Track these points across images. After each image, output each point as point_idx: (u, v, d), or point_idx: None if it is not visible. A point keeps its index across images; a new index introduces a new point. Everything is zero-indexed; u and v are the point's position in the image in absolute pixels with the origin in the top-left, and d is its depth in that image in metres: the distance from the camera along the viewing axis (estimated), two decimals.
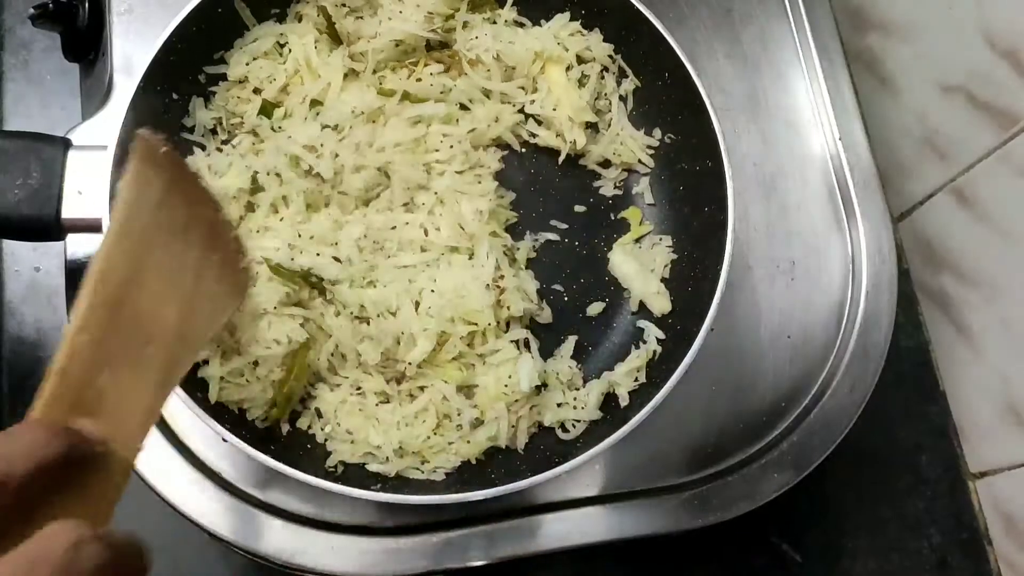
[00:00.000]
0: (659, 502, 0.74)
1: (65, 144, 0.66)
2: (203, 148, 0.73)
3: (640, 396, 0.67)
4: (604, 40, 0.79)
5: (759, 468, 0.76)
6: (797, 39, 0.89)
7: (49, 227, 0.64)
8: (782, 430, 0.78)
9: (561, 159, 0.78)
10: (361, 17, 0.76)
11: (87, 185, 0.64)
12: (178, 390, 0.61)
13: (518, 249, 0.75)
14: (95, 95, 0.77)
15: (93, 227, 0.64)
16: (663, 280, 0.76)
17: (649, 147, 0.79)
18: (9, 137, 0.65)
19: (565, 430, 0.70)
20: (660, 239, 0.77)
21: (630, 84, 0.79)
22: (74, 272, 0.71)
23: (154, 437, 0.68)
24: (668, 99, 0.77)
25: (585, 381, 0.73)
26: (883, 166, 0.87)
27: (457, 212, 0.70)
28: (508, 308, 0.69)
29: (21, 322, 0.80)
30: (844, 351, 0.80)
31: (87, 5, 0.77)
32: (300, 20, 0.76)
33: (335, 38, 0.75)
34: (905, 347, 0.96)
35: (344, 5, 0.76)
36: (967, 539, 0.91)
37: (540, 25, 0.79)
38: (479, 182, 0.73)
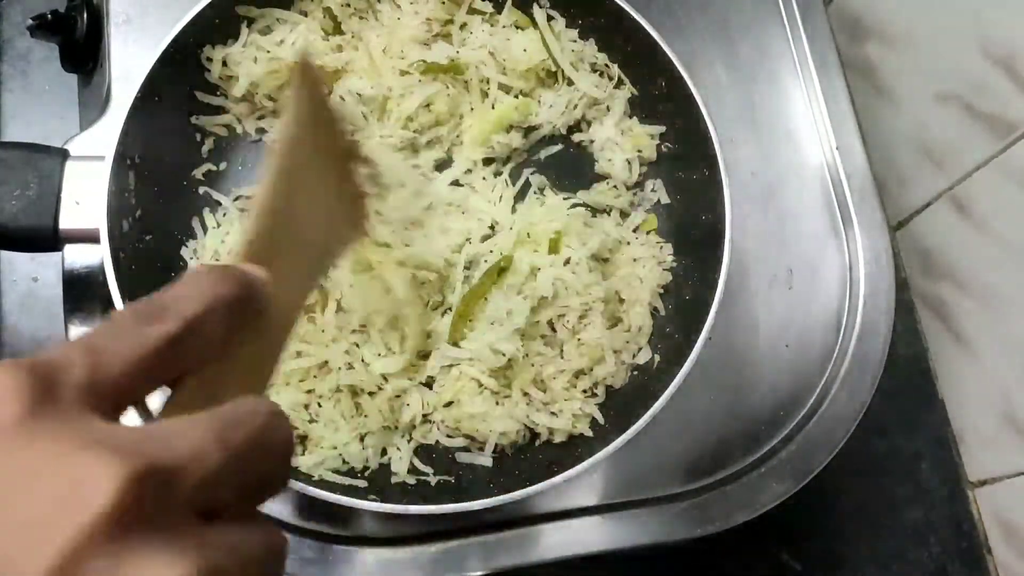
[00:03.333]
0: (658, 512, 0.73)
1: (63, 155, 0.66)
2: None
3: (638, 405, 0.67)
4: (600, 49, 0.79)
5: (758, 477, 0.76)
6: (794, 48, 0.90)
7: (47, 237, 0.64)
8: (781, 439, 0.78)
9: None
10: (364, 18, 0.77)
11: (85, 196, 0.64)
12: None
13: None
14: (93, 105, 0.77)
15: (91, 237, 0.63)
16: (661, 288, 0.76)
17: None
18: (7, 148, 0.65)
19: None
20: (661, 247, 0.77)
21: (626, 93, 0.79)
22: (72, 282, 0.71)
23: None
24: (665, 108, 0.77)
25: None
26: (880, 175, 0.88)
27: None
28: None
29: (19, 332, 0.80)
30: (842, 360, 0.80)
31: (85, 16, 0.77)
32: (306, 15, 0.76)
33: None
34: (903, 355, 0.95)
35: (348, 5, 0.76)
36: (967, 548, 0.91)
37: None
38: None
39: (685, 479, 0.75)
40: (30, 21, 0.75)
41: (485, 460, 0.69)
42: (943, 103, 0.90)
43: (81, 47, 0.79)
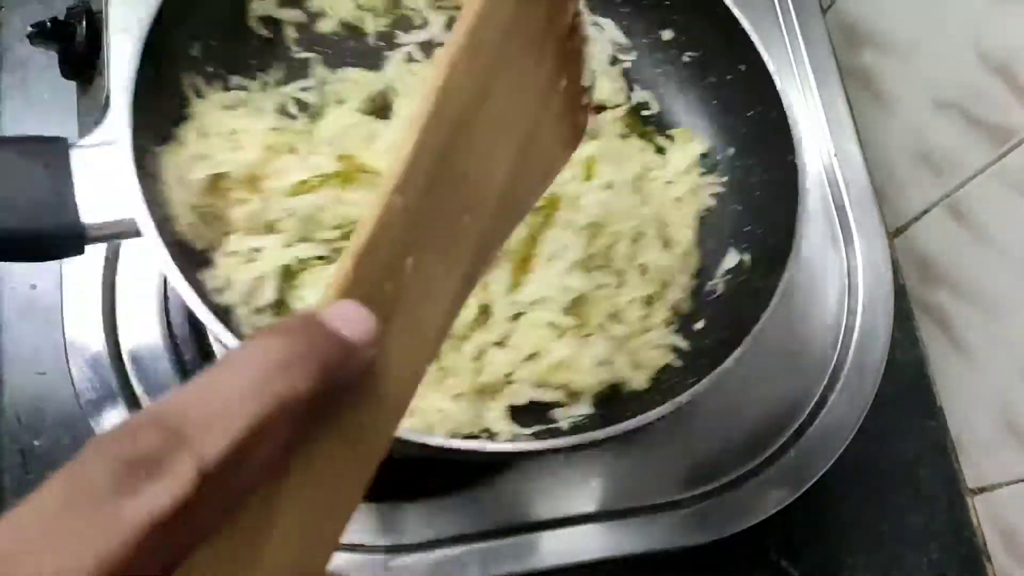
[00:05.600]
0: (657, 519, 0.73)
1: (65, 143, 0.57)
2: None
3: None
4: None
5: (757, 484, 0.76)
6: (792, 56, 0.90)
7: (71, 237, 0.54)
8: (780, 446, 0.78)
9: None
10: None
11: (101, 184, 0.55)
12: None
13: None
14: (92, 112, 0.78)
15: (124, 231, 0.54)
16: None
17: None
18: (5, 145, 0.57)
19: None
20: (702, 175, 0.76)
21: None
22: (71, 288, 0.71)
23: None
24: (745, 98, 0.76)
25: None
26: (878, 182, 0.88)
27: None
28: None
29: (17, 340, 0.80)
30: (841, 367, 0.80)
31: (85, 24, 0.78)
32: None
33: None
34: (902, 363, 0.95)
35: None
36: (966, 555, 0.91)
37: None
38: None
39: (684, 486, 0.75)
40: (30, 28, 0.76)
41: (585, 409, 0.65)
42: (941, 110, 0.90)
43: (80, 55, 0.79)
